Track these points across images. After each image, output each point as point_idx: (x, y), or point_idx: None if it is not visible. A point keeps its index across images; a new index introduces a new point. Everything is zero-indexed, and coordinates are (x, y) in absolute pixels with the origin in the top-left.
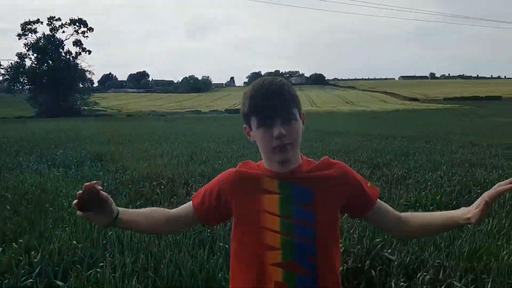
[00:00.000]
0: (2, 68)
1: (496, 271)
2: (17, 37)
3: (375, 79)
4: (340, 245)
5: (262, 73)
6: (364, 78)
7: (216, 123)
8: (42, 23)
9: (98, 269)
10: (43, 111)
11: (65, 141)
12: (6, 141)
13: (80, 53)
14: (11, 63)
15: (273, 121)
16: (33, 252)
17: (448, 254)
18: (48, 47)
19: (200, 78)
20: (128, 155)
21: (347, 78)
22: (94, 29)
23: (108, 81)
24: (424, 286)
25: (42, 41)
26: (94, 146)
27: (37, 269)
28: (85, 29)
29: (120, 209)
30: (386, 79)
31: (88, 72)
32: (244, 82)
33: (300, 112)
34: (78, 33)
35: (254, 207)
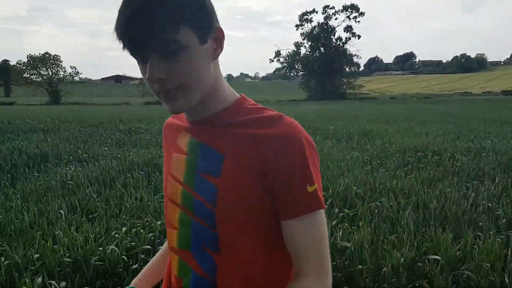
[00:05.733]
0: (281, 57)
1: None
2: (295, 28)
3: None
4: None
5: None
6: None
7: (488, 105)
8: (317, 12)
9: None
10: (313, 95)
11: (334, 119)
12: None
13: (349, 38)
14: (288, 51)
15: (145, 54)
16: None
17: None
18: (321, 35)
19: (473, 56)
20: (392, 132)
21: None
22: (365, 13)
23: (374, 64)
24: None
25: (316, 30)
26: (360, 124)
27: None
28: (357, 14)
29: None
30: None
31: (355, 57)
32: None
33: (200, 30)
34: (350, 18)
35: (165, 169)
